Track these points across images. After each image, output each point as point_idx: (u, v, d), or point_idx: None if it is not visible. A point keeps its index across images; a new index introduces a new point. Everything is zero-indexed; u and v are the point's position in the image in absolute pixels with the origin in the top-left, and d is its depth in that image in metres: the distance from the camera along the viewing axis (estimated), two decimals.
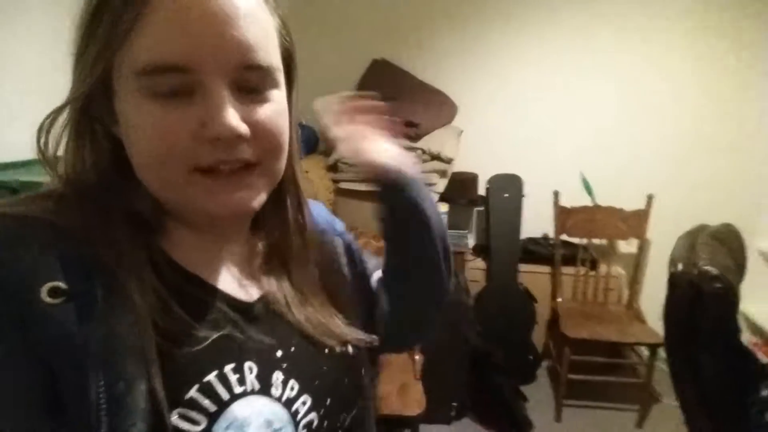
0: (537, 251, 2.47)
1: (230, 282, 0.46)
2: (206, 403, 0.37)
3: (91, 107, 0.39)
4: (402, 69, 2.62)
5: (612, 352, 2.32)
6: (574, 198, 2.35)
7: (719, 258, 1.00)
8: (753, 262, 2.17)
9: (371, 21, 2.65)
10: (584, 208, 2.33)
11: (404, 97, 2.43)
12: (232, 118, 0.37)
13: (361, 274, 0.60)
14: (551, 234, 2.45)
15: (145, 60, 0.35)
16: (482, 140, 2.63)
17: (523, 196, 2.42)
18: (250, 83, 0.39)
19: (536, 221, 2.52)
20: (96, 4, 0.36)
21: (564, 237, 2.35)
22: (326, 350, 0.49)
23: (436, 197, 2.27)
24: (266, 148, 0.41)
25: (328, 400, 0.47)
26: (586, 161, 2.52)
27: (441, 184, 2.28)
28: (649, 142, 2.53)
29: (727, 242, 1.11)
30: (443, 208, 2.31)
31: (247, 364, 0.41)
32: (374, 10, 2.63)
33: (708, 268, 0.94)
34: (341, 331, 0.50)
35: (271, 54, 0.40)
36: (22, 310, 0.33)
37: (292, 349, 0.46)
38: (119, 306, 0.35)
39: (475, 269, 2.48)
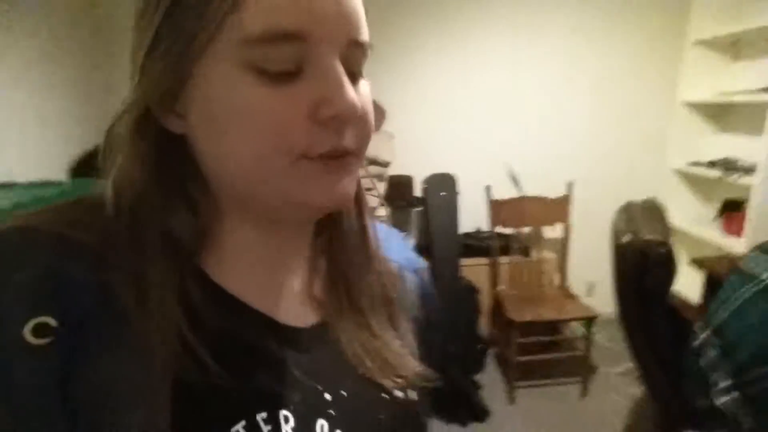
0: (474, 245, 2.59)
1: (283, 305, 0.41)
2: None
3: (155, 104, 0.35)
4: None
5: (552, 331, 2.49)
6: (504, 191, 2.50)
7: (656, 226, 1.12)
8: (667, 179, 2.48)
9: None
10: (513, 200, 2.48)
11: None
12: (354, 93, 0.34)
13: (424, 324, 0.51)
14: (484, 227, 2.58)
15: (260, 27, 0.31)
16: (414, 142, 2.71)
17: (457, 193, 2.53)
18: (353, 62, 0.36)
19: (470, 216, 2.64)
20: None
21: (498, 229, 2.49)
22: (385, 395, 0.43)
23: (376, 201, 2.29)
24: (363, 134, 0.37)
25: None
26: (513, 155, 2.70)
27: (381, 188, 2.32)
28: (570, 133, 2.78)
29: (656, 213, 1.24)
30: (383, 211, 2.35)
31: (283, 413, 0.36)
32: None
33: (652, 236, 1.05)
34: (401, 362, 0.44)
35: (367, 31, 0.37)
36: (3, 346, 0.30)
37: (344, 392, 0.41)
38: (129, 348, 0.32)
39: None
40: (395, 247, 0.51)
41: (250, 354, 0.37)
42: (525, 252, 2.53)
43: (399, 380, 0.43)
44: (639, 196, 2.84)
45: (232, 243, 0.39)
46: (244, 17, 0.31)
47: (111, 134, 0.36)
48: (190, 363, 0.33)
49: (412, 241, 2.65)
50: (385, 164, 2.32)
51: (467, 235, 2.67)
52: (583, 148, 2.80)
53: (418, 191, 2.60)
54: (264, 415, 0.35)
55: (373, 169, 2.28)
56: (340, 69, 0.34)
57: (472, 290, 2.46)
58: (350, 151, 0.36)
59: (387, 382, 0.43)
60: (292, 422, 0.36)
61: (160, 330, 0.32)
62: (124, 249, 0.34)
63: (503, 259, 2.49)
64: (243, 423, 0.34)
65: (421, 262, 0.55)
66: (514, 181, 2.58)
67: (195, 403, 0.33)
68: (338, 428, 0.39)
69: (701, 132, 2.65)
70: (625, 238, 1.11)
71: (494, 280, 2.50)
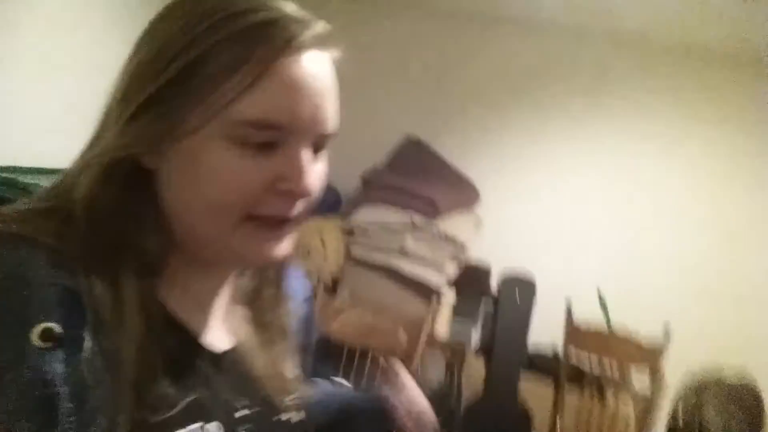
0: (540, 364, 2.28)
1: (211, 329, 0.47)
2: None
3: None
4: (431, 148, 2.62)
5: None
6: (588, 312, 2.20)
7: (726, 420, 0.86)
8: None
9: (407, 97, 2.70)
10: (597, 332, 2.17)
11: (429, 176, 2.41)
12: (312, 178, 0.41)
13: (303, 349, 0.58)
14: (558, 344, 2.27)
15: (253, 116, 0.38)
16: (501, 232, 2.55)
17: (534, 303, 2.29)
18: (320, 144, 0.43)
19: (544, 328, 2.35)
20: (192, 60, 0.38)
21: (572, 353, 2.17)
22: (283, 414, 0.51)
23: (446, 281, 2.14)
24: (308, 204, 0.44)
25: None
26: (605, 275, 2.41)
27: (452, 269, 2.17)
28: (671, 268, 2.42)
29: (740, 399, 0.97)
30: (452, 295, 2.19)
31: (212, 425, 0.42)
32: (411, 87, 2.70)
33: None
34: (296, 386, 0.52)
35: (336, 123, 0.44)
36: (12, 349, 0.33)
37: (253, 409, 0.48)
38: (103, 360, 0.35)
39: (475, 374, 2.27)
40: (292, 281, 0.56)
41: (187, 372, 0.43)
42: (600, 391, 2.16)
43: (293, 402, 0.52)
44: (758, 367, 2.35)
45: (180, 273, 0.44)
46: (242, 106, 0.38)
47: (82, 161, 0.41)
48: (148, 381, 0.38)
49: (474, 338, 2.42)
50: (462, 246, 2.19)
51: (534, 350, 2.37)
52: (686, 289, 2.41)
53: (494, 282, 2.39)
54: (196, 426, 0.41)
55: (448, 248, 2.16)
56: (307, 156, 0.41)
57: (525, 417, 2.12)
58: (292, 218, 0.43)
59: (284, 404, 0.51)
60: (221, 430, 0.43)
61: (131, 342, 0.37)
62: (101, 266, 0.38)
63: (572, 392, 2.14)
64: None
65: (309, 291, 0.62)
66: (603, 309, 2.28)
67: (143, 419, 0.37)
68: None
69: None
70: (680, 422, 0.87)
71: (555, 413, 2.14)
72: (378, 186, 2.33)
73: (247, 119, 0.38)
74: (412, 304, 2.02)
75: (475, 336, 2.44)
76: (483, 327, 2.47)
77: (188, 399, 0.41)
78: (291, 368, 0.53)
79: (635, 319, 2.15)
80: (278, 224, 0.42)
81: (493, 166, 2.62)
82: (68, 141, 0.46)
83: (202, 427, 0.41)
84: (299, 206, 0.42)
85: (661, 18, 2.16)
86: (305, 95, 0.39)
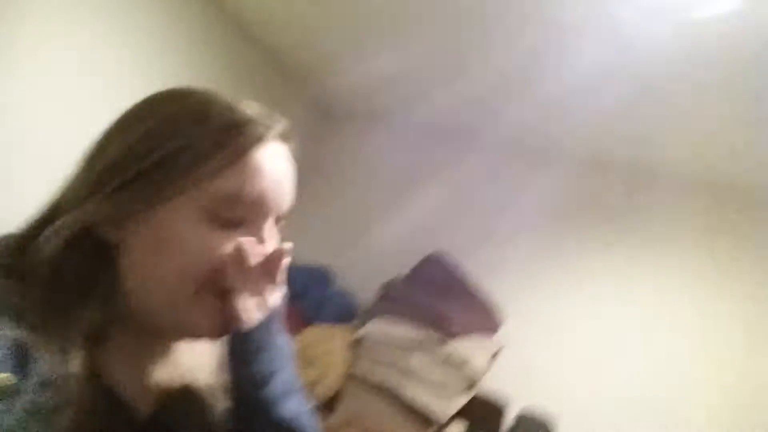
0: None
1: (143, 396, 0.48)
2: None
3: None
4: (457, 266, 2.57)
5: None
6: None
7: None
8: None
9: (443, 213, 2.72)
10: None
11: (449, 295, 2.34)
12: (270, 246, 0.47)
13: None
14: None
15: (225, 193, 0.43)
16: (524, 364, 2.36)
17: None
18: (279, 218, 0.49)
19: None
20: (177, 147, 0.43)
21: None
22: None
23: (452, 411, 1.97)
24: (267, 284, 0.48)
25: None
26: (636, 417, 2.13)
27: (462, 398, 2.00)
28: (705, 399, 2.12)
29: None
30: (460, 427, 1.99)
31: None
32: (440, 201, 2.71)
33: None
34: None
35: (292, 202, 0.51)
36: None
37: None
38: (43, 413, 0.37)
39: None
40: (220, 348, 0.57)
41: None
42: None
43: None
44: None
45: (121, 342, 0.46)
46: (219, 182, 0.43)
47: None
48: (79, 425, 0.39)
49: None
50: (475, 373, 2.03)
51: None
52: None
53: (507, 424, 2.16)
54: None
55: (459, 374, 2.02)
56: (269, 232, 0.47)
57: None
58: (241, 293, 0.45)
59: None
60: None
61: (70, 407, 0.38)
62: (52, 328, 0.40)
63: None
64: None
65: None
66: None
67: None
68: None
69: None
70: None
71: None
72: (394, 298, 2.29)
73: (220, 196, 0.43)
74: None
75: None
76: None
77: None
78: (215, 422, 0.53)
79: None
80: (225, 298, 0.45)
81: (522, 292, 2.51)
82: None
83: None
84: (258, 281, 0.46)
85: (688, 152, 2.14)
86: (269, 179, 0.46)
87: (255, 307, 0.46)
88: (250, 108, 0.47)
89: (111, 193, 0.43)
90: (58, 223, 0.43)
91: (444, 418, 1.89)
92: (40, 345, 0.39)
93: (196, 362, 0.54)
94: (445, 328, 2.17)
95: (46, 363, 0.38)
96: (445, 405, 1.94)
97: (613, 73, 1.68)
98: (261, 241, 0.46)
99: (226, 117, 0.45)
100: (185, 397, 0.52)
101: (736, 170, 2.16)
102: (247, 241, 0.44)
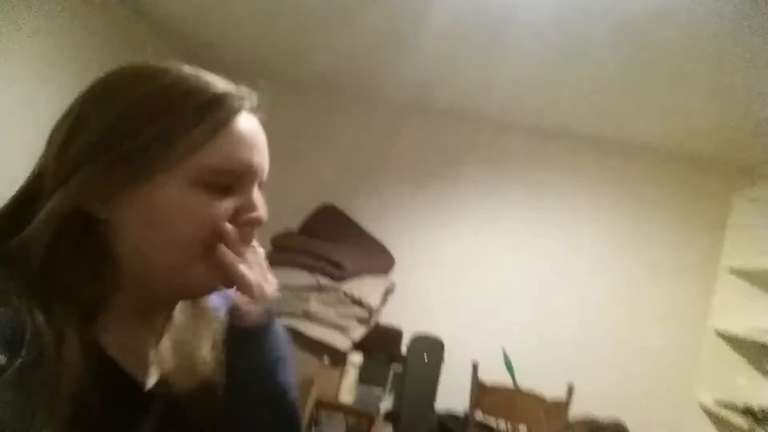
0: (450, 426, 2.25)
1: (141, 366, 0.50)
2: None
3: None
4: (348, 216, 2.70)
5: None
6: (497, 374, 2.24)
7: None
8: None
9: (326, 165, 2.80)
10: (503, 389, 2.19)
11: (340, 241, 2.46)
12: (265, 211, 0.50)
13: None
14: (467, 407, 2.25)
15: (217, 164, 0.46)
16: (414, 298, 2.60)
17: (442, 361, 2.30)
18: (260, 186, 0.51)
19: (456, 393, 2.35)
20: (164, 125, 0.45)
21: (479, 416, 2.16)
22: None
23: (352, 342, 2.13)
24: (252, 240, 0.51)
25: None
26: (512, 338, 2.48)
27: (358, 332, 2.17)
28: (585, 338, 2.55)
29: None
30: (359, 358, 2.16)
31: None
32: (330, 154, 2.81)
33: None
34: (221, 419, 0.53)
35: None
36: None
37: None
38: (36, 389, 0.38)
39: None
40: (218, 312, 0.59)
41: (114, 408, 0.44)
42: None
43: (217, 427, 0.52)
44: (653, 424, 2.42)
45: (117, 314, 0.47)
46: (208, 154, 0.45)
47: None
48: (77, 409, 0.39)
49: (384, 403, 2.36)
50: (369, 308, 2.20)
51: (447, 414, 2.34)
52: (596, 356, 2.51)
53: (405, 348, 2.39)
54: None
55: (356, 311, 2.17)
56: (259, 194, 0.50)
57: None
58: (245, 251, 0.50)
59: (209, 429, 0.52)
60: None
61: (69, 383, 0.39)
62: (47, 308, 0.41)
63: None
64: None
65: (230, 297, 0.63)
66: (509, 369, 2.32)
67: None
68: None
69: (737, 367, 2.31)
70: None
71: None
72: (287, 249, 2.34)
73: (212, 167, 0.46)
74: (313, 366, 1.98)
75: (386, 401, 2.40)
76: (393, 391, 2.44)
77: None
78: (216, 396, 0.54)
79: (540, 380, 2.20)
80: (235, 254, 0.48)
81: (407, 235, 2.72)
82: None
83: None
84: (252, 237, 0.50)
85: (560, 111, 2.43)
86: (250, 146, 0.48)
87: (245, 266, 0.50)
88: (219, 81, 0.49)
89: (98, 171, 0.43)
90: (49, 204, 0.43)
91: (346, 348, 2.04)
92: (34, 326, 0.39)
93: (194, 333, 0.56)
94: (338, 272, 2.30)
95: (40, 342, 0.39)
96: (346, 338, 2.08)
97: (474, 25, 1.81)
98: (253, 205, 0.49)
99: (204, 92, 0.47)
100: (186, 367, 0.53)
101: (611, 125, 2.49)
102: (242, 204, 0.48)
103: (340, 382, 2.11)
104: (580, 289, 2.60)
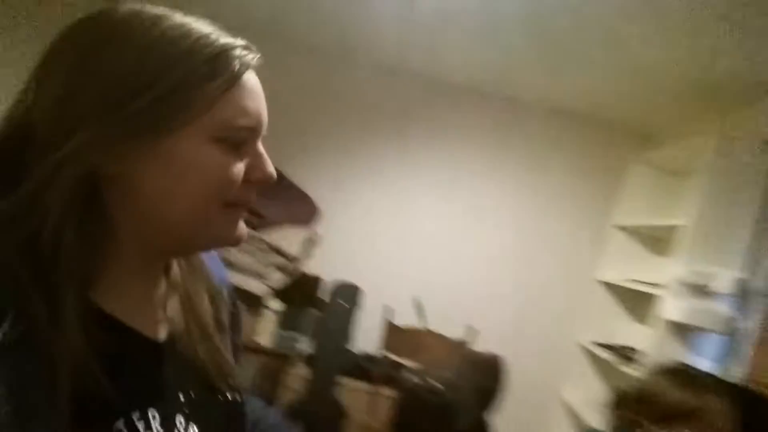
0: (366, 367, 2.43)
1: (149, 322, 0.50)
2: None
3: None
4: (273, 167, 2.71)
5: None
6: (411, 318, 2.42)
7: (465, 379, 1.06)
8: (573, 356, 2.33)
9: None
10: (412, 330, 2.39)
11: (265, 192, 2.48)
12: (269, 160, 0.51)
13: (233, 331, 0.63)
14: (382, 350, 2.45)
15: (232, 120, 0.46)
16: (339, 248, 2.71)
17: (357, 306, 2.45)
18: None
19: (374, 336, 2.53)
20: (178, 76, 0.43)
21: (393, 357, 2.36)
22: (221, 396, 0.56)
23: (271, 288, 2.22)
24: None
25: None
26: (425, 285, 2.67)
27: (277, 278, 2.26)
28: (477, 276, 2.79)
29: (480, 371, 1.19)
30: (279, 304, 2.26)
31: (151, 411, 0.46)
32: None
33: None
34: (231, 370, 0.57)
35: None
36: None
37: (193, 394, 0.52)
38: (37, 359, 0.38)
39: (299, 380, 2.35)
40: (214, 268, 0.61)
41: (124, 365, 0.46)
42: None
43: (231, 384, 0.56)
44: (542, 362, 2.73)
45: (119, 273, 0.47)
46: (224, 108, 0.45)
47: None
48: (82, 372, 0.39)
49: (304, 347, 2.51)
50: (289, 257, 2.29)
51: (363, 355, 2.53)
52: (496, 302, 2.77)
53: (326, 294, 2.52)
54: (137, 413, 0.45)
55: (275, 259, 2.25)
56: (263, 151, 0.51)
57: (341, 417, 2.25)
58: (249, 205, 0.51)
59: (222, 386, 0.56)
60: (158, 418, 0.46)
61: (68, 344, 0.39)
62: (38, 274, 0.40)
63: (387, 392, 2.31)
64: (123, 420, 0.43)
65: (226, 272, 0.66)
66: (419, 311, 2.52)
67: (83, 405, 0.39)
68: (192, 422, 0.50)
69: (617, 314, 2.63)
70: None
71: (372, 412, 2.30)
72: None
73: (229, 121, 0.46)
74: None
75: (304, 345, 2.54)
76: (312, 336, 2.59)
77: (128, 383, 0.45)
78: (227, 352, 0.57)
79: (448, 322, 2.41)
80: (242, 209, 0.50)
81: (332, 187, 2.78)
82: None
83: (140, 414, 0.45)
84: (256, 193, 0.51)
85: (468, 68, 2.51)
86: (260, 99, 0.49)
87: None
88: (220, 32, 0.48)
89: (114, 125, 0.41)
90: (54, 161, 0.40)
91: (262, 293, 2.13)
92: (24, 296, 0.39)
93: (194, 288, 0.56)
94: (259, 222, 2.35)
95: (30, 315, 0.38)
96: (262, 285, 2.17)
97: None
98: (264, 161, 0.50)
99: (214, 44, 0.46)
100: (193, 321, 0.54)
101: (517, 86, 2.60)
102: (253, 162, 0.49)
103: (256, 327, 2.21)
104: (485, 240, 2.81)
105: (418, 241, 2.80)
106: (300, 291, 2.42)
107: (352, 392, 2.33)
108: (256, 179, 0.49)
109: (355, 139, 2.81)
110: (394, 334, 2.36)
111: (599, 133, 2.79)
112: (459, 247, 2.81)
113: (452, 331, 2.37)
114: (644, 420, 1.05)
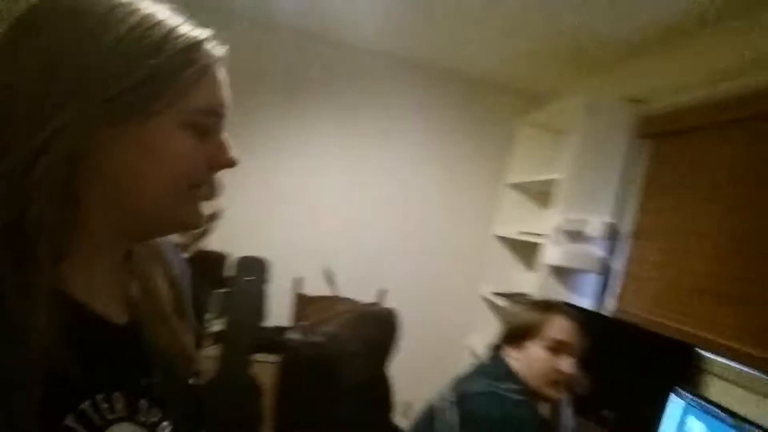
0: (278, 340, 2.43)
1: (111, 306, 0.51)
2: (81, 430, 0.43)
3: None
4: None
5: None
6: (324, 287, 2.44)
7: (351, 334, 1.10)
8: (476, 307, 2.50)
9: None
10: (322, 298, 2.42)
11: None
12: (232, 144, 0.53)
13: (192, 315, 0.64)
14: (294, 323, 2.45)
15: (204, 104, 0.49)
16: (244, 222, 2.63)
17: (266, 280, 2.43)
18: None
19: (287, 309, 2.52)
20: (143, 67, 0.45)
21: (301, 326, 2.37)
22: (182, 381, 0.57)
23: None
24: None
25: (184, 426, 0.55)
26: (335, 252, 2.70)
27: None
28: (385, 239, 2.87)
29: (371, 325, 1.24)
30: None
31: (116, 394, 0.47)
32: None
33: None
34: (193, 354, 0.58)
35: None
36: None
37: (155, 378, 0.52)
38: (6, 337, 0.39)
39: (209, 358, 2.30)
40: (172, 256, 0.63)
41: (88, 348, 0.46)
42: None
43: (192, 369, 0.58)
44: (448, 316, 2.91)
45: (86, 256, 0.48)
46: (195, 95, 0.48)
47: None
48: (49, 353, 0.40)
49: (213, 326, 2.44)
50: (192, 235, 2.19)
51: (276, 328, 2.52)
52: (405, 262, 2.88)
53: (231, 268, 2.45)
54: (101, 395, 0.46)
55: (173, 237, 2.14)
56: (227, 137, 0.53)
57: (255, 392, 2.24)
58: (213, 187, 0.54)
59: (184, 371, 0.57)
60: (122, 401, 0.47)
61: (38, 326, 0.39)
62: (15, 254, 0.40)
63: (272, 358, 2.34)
64: (88, 402, 0.44)
65: (185, 261, 0.67)
66: (329, 279, 2.55)
67: (49, 386, 0.40)
68: (155, 406, 0.51)
69: (512, 265, 2.86)
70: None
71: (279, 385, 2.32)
72: None
73: (202, 108, 0.48)
74: None
75: (214, 323, 2.48)
76: (221, 314, 2.52)
77: (93, 365, 0.45)
78: (188, 337, 0.58)
79: (362, 286, 2.47)
80: (202, 191, 0.51)
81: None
82: None
83: (104, 397, 0.46)
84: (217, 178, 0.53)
85: (369, 31, 2.50)
86: (227, 91, 0.52)
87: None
88: (185, 20, 0.50)
89: (88, 113, 0.43)
90: (40, 140, 0.41)
91: None
92: (2, 278, 0.39)
93: (154, 271, 0.57)
94: None
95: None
96: None
97: None
98: (227, 147, 0.52)
99: (188, 34, 0.48)
100: (153, 303, 0.55)
101: (418, 49, 2.63)
102: (218, 147, 0.51)
103: None
104: (389, 205, 2.88)
105: (323, 208, 2.81)
106: (203, 269, 2.33)
107: (265, 367, 2.32)
108: (219, 164, 0.52)
109: (252, 106, 2.71)
110: (305, 305, 2.38)
111: (490, 95, 2.93)
112: (364, 212, 2.85)
113: (364, 294, 2.44)
114: (504, 344, 1.19)
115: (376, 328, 1.24)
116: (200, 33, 0.50)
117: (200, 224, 0.53)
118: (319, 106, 2.78)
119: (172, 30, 0.47)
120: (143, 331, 0.53)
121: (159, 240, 0.60)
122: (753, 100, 1.60)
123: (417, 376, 2.36)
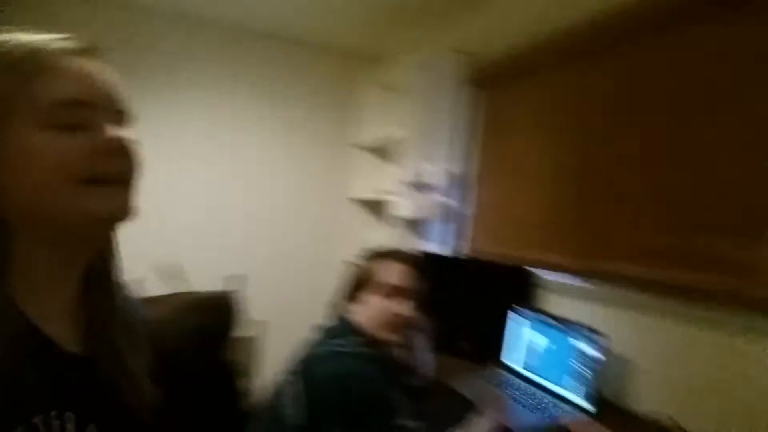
0: None
1: (62, 333, 0.50)
2: None
3: None
4: None
5: None
6: (175, 283, 2.17)
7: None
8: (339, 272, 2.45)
9: None
10: (168, 296, 2.15)
11: None
12: (124, 135, 0.51)
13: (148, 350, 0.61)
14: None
15: (62, 95, 0.48)
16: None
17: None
18: (119, 120, 0.52)
19: None
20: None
21: None
22: (133, 411, 0.55)
23: None
24: (133, 166, 0.52)
25: None
26: (185, 244, 2.45)
27: None
28: (241, 214, 2.71)
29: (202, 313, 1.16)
30: None
31: (68, 414, 0.47)
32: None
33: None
34: (145, 387, 0.57)
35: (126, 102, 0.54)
36: None
37: (104, 408, 0.51)
38: None
39: None
40: (124, 286, 0.61)
41: (42, 369, 0.47)
42: None
43: (142, 402, 0.57)
44: (315, 284, 2.84)
45: (34, 275, 0.48)
46: (49, 93, 0.47)
47: None
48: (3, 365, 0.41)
49: None
50: None
51: None
52: (262, 241, 2.75)
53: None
54: (55, 412, 0.46)
55: None
56: (114, 129, 0.51)
57: None
58: (119, 178, 0.51)
59: (135, 402, 0.56)
60: (73, 422, 0.47)
61: None
62: None
63: None
64: (41, 416, 0.44)
65: (137, 295, 0.67)
66: (174, 275, 2.29)
67: (4, 397, 0.41)
68: None
69: (369, 224, 2.88)
70: None
71: None
72: None
73: (57, 100, 0.47)
74: None
75: None
76: None
77: (45, 386, 0.45)
78: (140, 370, 0.57)
79: (217, 273, 2.26)
80: (110, 183, 0.49)
81: None
82: None
83: (57, 414, 0.45)
84: (124, 164, 0.51)
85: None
86: (89, 81, 0.50)
87: (127, 188, 0.52)
88: (30, 32, 0.49)
89: None
90: None
91: None
92: None
93: (112, 309, 0.56)
94: None
95: None
96: None
97: None
98: (103, 136, 0.49)
99: (14, 50, 0.47)
100: (113, 332, 0.54)
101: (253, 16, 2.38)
102: (96, 136, 0.48)
103: None
104: (242, 182, 2.71)
105: (166, 200, 2.51)
106: None
107: None
108: (103, 149, 0.49)
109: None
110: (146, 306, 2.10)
111: (334, 59, 2.87)
112: (213, 197, 2.64)
113: (218, 281, 2.23)
114: (343, 301, 1.17)
115: (207, 315, 1.13)
116: (32, 39, 0.49)
117: (115, 218, 0.51)
118: (143, 83, 2.43)
119: (13, 45, 0.48)
120: (95, 362, 0.53)
121: (114, 272, 0.58)
122: (573, 38, 1.68)
123: (279, 350, 2.27)
